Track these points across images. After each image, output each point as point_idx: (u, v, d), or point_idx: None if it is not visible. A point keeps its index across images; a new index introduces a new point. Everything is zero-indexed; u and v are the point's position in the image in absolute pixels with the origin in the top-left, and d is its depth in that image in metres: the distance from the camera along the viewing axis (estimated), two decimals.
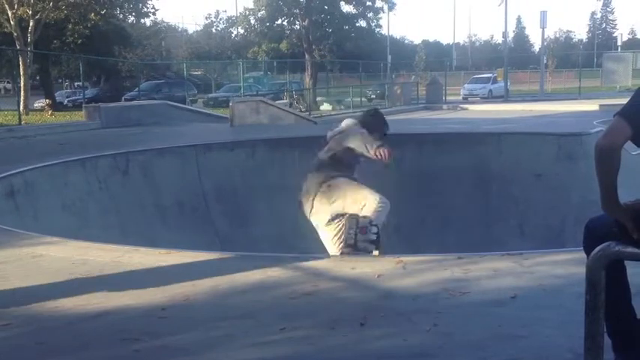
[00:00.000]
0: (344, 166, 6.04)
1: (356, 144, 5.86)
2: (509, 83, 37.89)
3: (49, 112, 23.32)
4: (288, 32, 46.15)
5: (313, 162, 6.23)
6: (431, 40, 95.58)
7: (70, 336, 3.52)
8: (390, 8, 47.03)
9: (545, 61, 42.09)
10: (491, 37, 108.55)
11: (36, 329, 3.62)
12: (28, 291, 4.32)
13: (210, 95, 36.70)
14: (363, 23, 45.43)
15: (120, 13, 32.47)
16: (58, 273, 4.70)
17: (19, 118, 18.28)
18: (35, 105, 30.14)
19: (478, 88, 41.58)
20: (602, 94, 32.68)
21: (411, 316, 3.58)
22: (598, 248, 2.45)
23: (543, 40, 42.01)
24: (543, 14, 35.54)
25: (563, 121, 17.61)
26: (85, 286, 4.37)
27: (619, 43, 70.23)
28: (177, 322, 3.66)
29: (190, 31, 67.97)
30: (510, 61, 44.40)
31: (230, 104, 18.85)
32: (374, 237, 5.64)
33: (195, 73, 48.92)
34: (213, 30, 59.33)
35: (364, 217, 5.69)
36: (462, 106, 30.09)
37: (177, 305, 3.91)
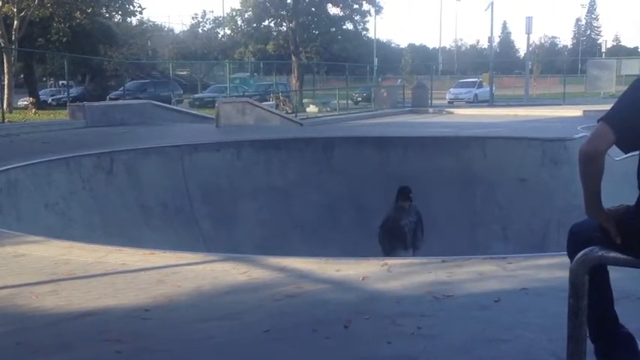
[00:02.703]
0: None
1: None
2: (494, 88, 38.01)
3: (33, 111, 23.14)
4: (274, 34, 46.16)
5: None
6: (417, 43, 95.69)
7: (51, 336, 3.48)
8: (377, 12, 47.23)
9: (530, 67, 42.36)
10: (477, 42, 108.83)
11: (16, 329, 3.58)
12: (9, 290, 4.28)
13: (196, 96, 36.49)
14: (349, 26, 45.60)
15: (106, 12, 32.21)
16: (41, 272, 4.66)
17: (3, 116, 18.11)
18: (19, 103, 29.89)
19: (464, 92, 41.65)
20: (586, 100, 32.86)
21: (395, 319, 3.58)
22: (581, 253, 2.46)
23: (528, 45, 42.51)
24: (529, 20, 35.75)
25: (548, 126, 17.71)
26: (68, 286, 4.34)
27: (603, 49, 70.61)
28: (161, 324, 3.63)
29: (177, 31, 67.38)
30: (496, 66, 44.70)
31: (216, 105, 18.79)
32: None
33: (181, 73, 48.63)
34: (200, 30, 58.94)
35: None
36: (447, 110, 30.15)
37: (161, 306, 3.89)
